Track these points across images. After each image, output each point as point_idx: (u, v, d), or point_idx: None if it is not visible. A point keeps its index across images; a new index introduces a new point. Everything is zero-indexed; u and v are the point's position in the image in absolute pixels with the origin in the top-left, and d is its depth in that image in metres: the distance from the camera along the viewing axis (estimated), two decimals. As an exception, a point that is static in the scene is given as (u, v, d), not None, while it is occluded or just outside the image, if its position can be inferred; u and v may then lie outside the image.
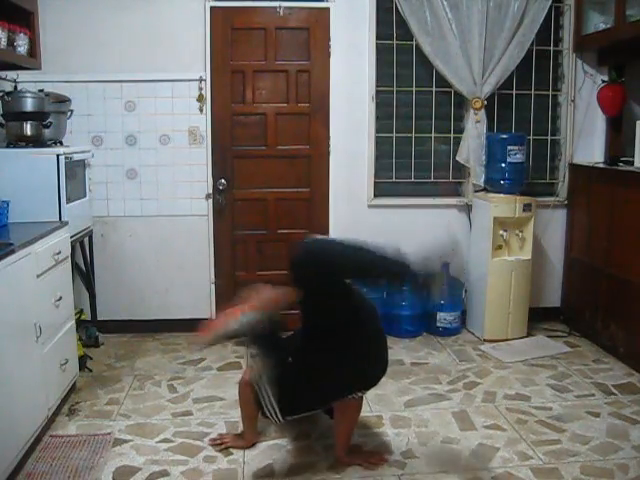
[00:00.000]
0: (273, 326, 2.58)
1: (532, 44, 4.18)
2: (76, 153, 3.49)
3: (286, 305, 2.61)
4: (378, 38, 4.14)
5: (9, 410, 2.42)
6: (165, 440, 2.85)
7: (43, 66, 3.48)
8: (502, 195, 4.08)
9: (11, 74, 3.66)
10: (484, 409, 3.16)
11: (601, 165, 4.11)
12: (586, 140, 4.36)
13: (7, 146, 3.33)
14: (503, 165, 4.06)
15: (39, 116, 3.34)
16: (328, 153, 4.19)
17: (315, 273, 2.41)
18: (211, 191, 4.18)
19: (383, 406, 3.19)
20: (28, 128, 3.29)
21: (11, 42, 3.09)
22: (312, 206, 4.26)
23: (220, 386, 3.43)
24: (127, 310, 4.24)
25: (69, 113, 3.73)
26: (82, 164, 3.69)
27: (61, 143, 3.61)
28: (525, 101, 4.33)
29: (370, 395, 3.17)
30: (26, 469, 2.57)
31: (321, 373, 2.50)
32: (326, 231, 4.26)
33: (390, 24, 4.14)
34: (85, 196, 3.73)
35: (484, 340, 4.11)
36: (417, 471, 2.60)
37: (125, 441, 2.84)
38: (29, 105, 3.33)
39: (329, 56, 4.11)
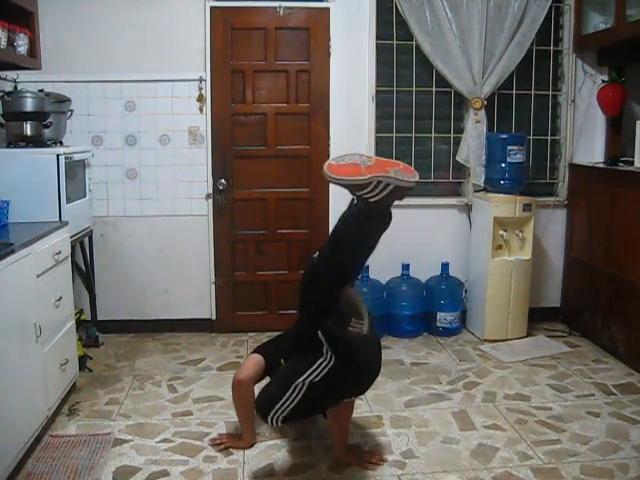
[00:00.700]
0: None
1: (532, 44, 4.18)
2: (76, 153, 3.49)
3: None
4: (378, 38, 4.14)
5: (9, 410, 2.42)
6: (165, 440, 2.85)
7: (43, 66, 3.47)
8: (502, 195, 4.08)
9: (11, 74, 3.66)
10: (484, 409, 3.16)
11: (601, 165, 4.10)
12: (586, 140, 4.36)
13: (7, 146, 3.33)
14: (503, 165, 4.06)
15: (39, 116, 3.34)
16: (328, 153, 4.19)
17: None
18: (211, 191, 4.18)
19: (383, 406, 3.19)
20: (28, 128, 3.30)
21: (11, 42, 3.09)
22: (312, 206, 4.26)
23: (220, 386, 3.42)
24: (127, 310, 4.24)
25: (69, 113, 3.73)
26: (82, 164, 3.69)
27: (61, 143, 3.61)
28: (525, 101, 4.33)
29: (370, 395, 3.17)
30: (26, 469, 2.57)
31: (317, 383, 2.45)
32: (326, 231, 4.26)
33: (390, 24, 4.14)
34: (85, 196, 3.73)
35: (484, 340, 4.11)
36: (417, 471, 2.60)
37: (125, 441, 2.84)
38: (29, 105, 3.33)
39: (329, 56, 4.11)
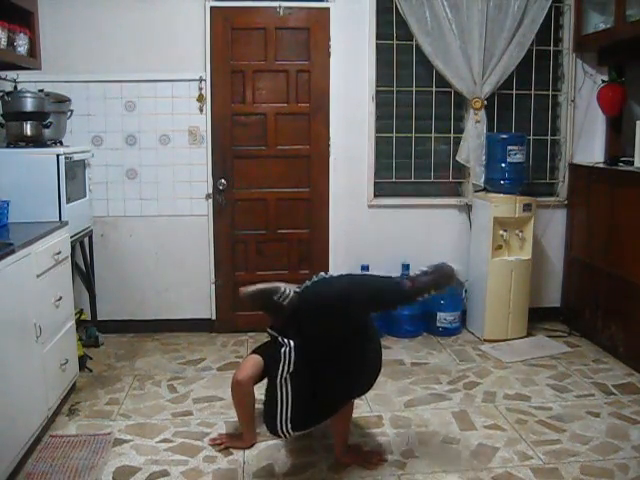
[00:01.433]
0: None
1: (532, 44, 4.18)
2: (76, 153, 3.49)
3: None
4: (378, 38, 4.14)
5: (9, 410, 2.42)
6: (165, 440, 2.85)
7: (43, 66, 3.48)
8: (502, 195, 4.08)
9: (11, 74, 3.66)
10: (484, 409, 3.16)
11: (601, 165, 4.10)
12: (586, 140, 4.36)
13: (7, 146, 3.33)
14: (503, 165, 4.06)
15: (39, 116, 3.34)
16: (328, 153, 4.19)
17: (329, 320, 2.45)
18: (211, 191, 4.18)
19: (383, 406, 3.19)
20: (28, 128, 3.29)
21: (11, 42, 3.09)
22: (312, 206, 4.26)
23: (220, 386, 3.42)
24: (127, 310, 4.23)
25: (69, 113, 3.73)
26: (82, 164, 3.69)
27: (61, 143, 3.61)
28: (525, 101, 4.33)
29: (370, 395, 3.17)
30: (26, 469, 2.57)
31: (322, 385, 2.47)
32: (326, 231, 4.27)
33: (390, 24, 4.14)
34: (85, 196, 3.73)
35: (484, 340, 4.11)
36: (417, 471, 2.60)
37: (125, 441, 2.84)
38: (29, 105, 3.33)
39: (329, 56, 4.11)
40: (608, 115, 4.22)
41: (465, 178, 4.37)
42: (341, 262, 4.23)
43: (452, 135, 4.32)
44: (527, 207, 4.05)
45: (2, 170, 3.13)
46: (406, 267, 4.23)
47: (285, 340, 2.48)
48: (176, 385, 3.45)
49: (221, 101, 4.11)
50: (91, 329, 3.98)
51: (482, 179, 4.24)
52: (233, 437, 2.85)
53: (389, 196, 4.32)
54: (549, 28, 4.25)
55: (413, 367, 3.71)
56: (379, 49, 4.16)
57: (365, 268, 4.15)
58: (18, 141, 3.31)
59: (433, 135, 4.31)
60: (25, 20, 3.24)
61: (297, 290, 2.57)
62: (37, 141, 3.34)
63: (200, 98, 4.08)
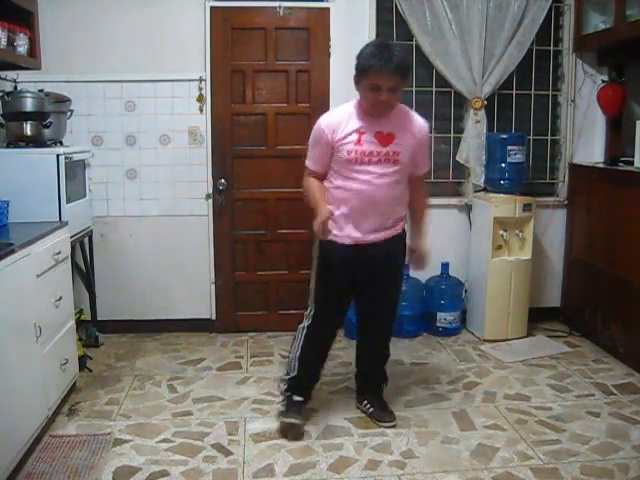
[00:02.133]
0: None
1: (532, 44, 4.18)
2: (76, 153, 3.49)
3: None
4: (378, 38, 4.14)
5: (9, 410, 2.42)
6: (165, 440, 2.85)
7: (43, 66, 3.47)
8: (502, 195, 4.08)
9: (11, 74, 3.66)
10: (484, 409, 3.16)
11: (601, 165, 4.10)
12: (586, 140, 4.36)
13: (7, 146, 3.33)
14: (503, 165, 4.06)
15: (39, 116, 3.34)
16: (328, 153, 4.19)
17: None
18: (211, 191, 4.18)
19: (383, 406, 3.18)
20: (28, 128, 3.29)
21: (11, 42, 3.08)
22: (312, 206, 4.25)
23: (220, 386, 3.43)
24: (127, 310, 4.23)
25: (69, 113, 3.72)
26: (82, 164, 3.69)
27: (61, 143, 3.61)
28: (525, 101, 4.33)
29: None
30: (26, 469, 2.57)
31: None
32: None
33: (390, 24, 4.14)
34: (85, 196, 3.73)
35: (484, 340, 4.11)
36: (417, 471, 2.60)
37: (125, 441, 2.84)
38: (29, 105, 3.33)
39: (329, 56, 4.10)
40: (608, 115, 4.22)
41: (465, 178, 4.37)
42: (341, 262, 4.22)
43: (452, 135, 4.32)
44: (527, 207, 4.04)
45: (2, 170, 3.13)
46: (406, 267, 4.22)
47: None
48: (176, 385, 3.45)
49: (221, 101, 4.11)
50: (91, 329, 3.98)
51: (482, 179, 4.24)
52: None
53: (389, 196, 4.31)
54: (549, 28, 4.25)
55: (413, 367, 3.71)
56: (379, 49, 4.15)
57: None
58: (18, 141, 3.31)
59: (433, 135, 4.30)
60: (25, 20, 3.23)
61: None
62: (37, 141, 3.34)
63: (200, 98, 4.08)
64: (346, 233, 2.80)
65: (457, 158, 4.26)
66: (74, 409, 3.14)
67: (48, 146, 3.41)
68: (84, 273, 4.00)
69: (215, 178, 4.17)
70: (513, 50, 4.13)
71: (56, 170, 3.20)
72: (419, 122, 2.83)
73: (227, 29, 4.04)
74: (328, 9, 4.08)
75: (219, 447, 2.79)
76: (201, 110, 4.10)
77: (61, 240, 3.07)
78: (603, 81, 4.17)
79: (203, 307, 4.29)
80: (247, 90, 4.12)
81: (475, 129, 4.17)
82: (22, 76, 3.74)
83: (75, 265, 3.76)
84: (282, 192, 4.21)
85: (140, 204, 4.17)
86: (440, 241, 4.33)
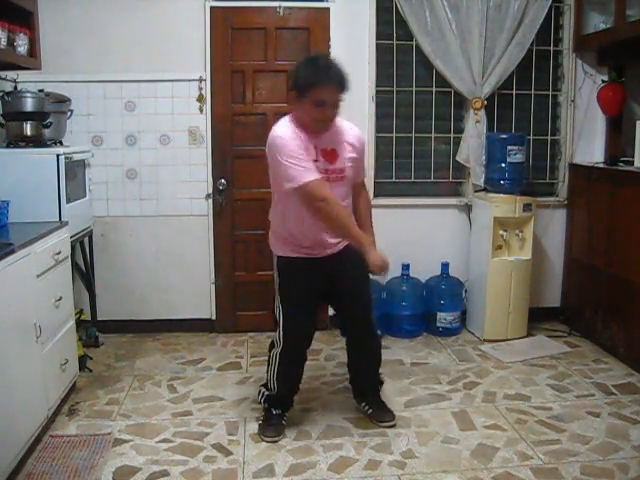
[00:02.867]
0: None
1: (532, 44, 4.17)
2: (76, 153, 3.49)
3: None
4: (378, 38, 4.14)
5: (9, 410, 2.42)
6: (165, 440, 2.85)
7: (43, 66, 3.47)
8: (502, 195, 4.08)
9: (11, 74, 3.66)
10: (484, 409, 3.15)
11: (601, 165, 4.10)
12: (586, 140, 4.36)
13: (7, 146, 3.33)
14: (503, 165, 4.06)
15: (39, 116, 3.34)
16: (328, 153, 4.18)
17: None
18: (211, 191, 4.18)
19: (383, 406, 3.19)
20: (28, 128, 3.29)
21: (11, 42, 3.09)
22: (312, 206, 4.25)
23: (220, 386, 3.43)
24: (127, 310, 4.23)
25: (69, 113, 3.72)
26: (82, 164, 3.69)
27: (61, 143, 3.61)
28: (525, 101, 4.33)
29: (370, 395, 3.17)
30: (26, 469, 2.57)
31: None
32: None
33: (390, 24, 4.14)
34: (85, 196, 3.73)
35: (484, 340, 4.11)
36: (417, 471, 2.60)
37: (125, 441, 2.84)
38: (29, 105, 3.33)
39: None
40: (608, 115, 4.22)
41: (465, 178, 4.37)
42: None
43: (452, 135, 4.32)
44: (527, 207, 4.04)
45: (2, 170, 3.13)
46: (406, 267, 4.23)
47: None
48: (176, 385, 3.45)
49: (221, 101, 4.11)
50: (91, 329, 3.98)
51: (482, 179, 4.24)
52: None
53: (389, 196, 4.31)
54: (549, 28, 4.24)
55: (413, 367, 3.71)
56: (379, 49, 4.15)
57: (365, 268, 4.15)
58: (18, 141, 3.31)
59: (433, 135, 4.31)
60: (25, 20, 3.24)
61: None
62: (37, 141, 3.34)
63: (200, 98, 4.08)
64: (302, 250, 2.82)
65: (457, 158, 4.26)
66: (74, 409, 3.14)
67: (48, 146, 3.41)
68: (84, 273, 4.00)
69: (215, 178, 4.17)
70: (513, 50, 4.12)
71: (56, 170, 3.20)
72: (355, 132, 2.81)
73: (227, 29, 4.04)
74: (328, 9, 4.08)
75: (219, 447, 2.79)
76: (201, 110, 4.10)
77: (61, 240, 3.07)
78: (603, 81, 4.17)
79: (203, 307, 4.29)
80: (247, 90, 4.12)
81: (475, 129, 4.17)
82: (22, 76, 3.73)
83: (75, 265, 3.76)
84: (282, 192, 4.21)
85: (140, 204, 4.17)
86: (440, 241, 4.36)
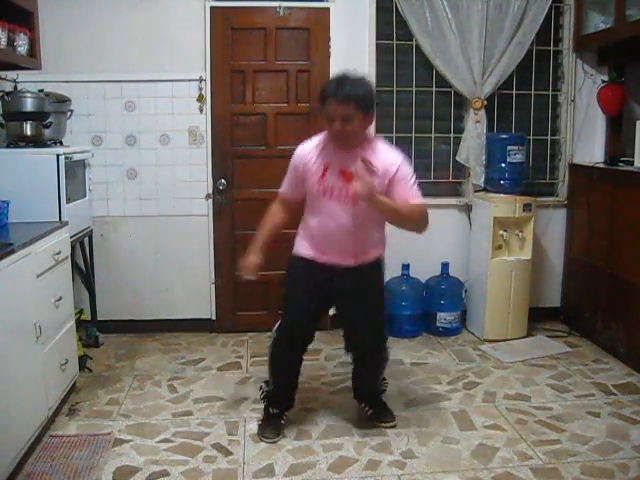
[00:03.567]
0: None
1: (532, 44, 4.18)
2: (76, 153, 3.49)
3: None
4: (378, 38, 4.14)
5: (9, 410, 2.42)
6: (165, 440, 2.85)
7: (43, 66, 3.47)
8: (502, 195, 4.08)
9: (11, 74, 3.66)
10: (484, 409, 3.16)
11: (601, 165, 4.10)
12: (586, 140, 4.36)
13: (7, 146, 3.33)
14: (503, 165, 4.06)
15: (39, 116, 3.34)
16: (328, 153, 4.18)
17: None
18: (211, 191, 4.18)
19: (383, 406, 3.19)
20: (28, 128, 3.29)
21: (11, 42, 3.08)
22: (312, 206, 4.25)
23: (220, 386, 3.43)
24: (127, 310, 4.23)
25: (69, 113, 3.73)
26: (82, 164, 3.69)
27: (61, 143, 3.61)
28: (525, 101, 4.33)
29: (370, 395, 3.16)
30: (26, 469, 2.57)
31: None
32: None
33: (390, 24, 4.14)
34: (85, 196, 3.73)
35: (484, 340, 4.11)
36: (417, 471, 2.60)
37: (125, 441, 2.84)
38: (29, 105, 3.33)
39: (329, 56, 4.10)
40: (608, 115, 4.22)
41: (465, 178, 4.37)
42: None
43: (452, 135, 4.32)
44: (527, 207, 4.04)
45: (2, 170, 3.13)
46: (406, 267, 4.23)
47: None
48: (176, 385, 3.45)
49: (221, 101, 4.11)
50: (91, 329, 3.98)
51: (482, 179, 4.24)
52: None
53: (389, 196, 4.31)
54: (549, 28, 4.24)
55: (413, 367, 3.71)
56: (379, 49, 4.16)
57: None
58: (18, 141, 3.31)
59: (433, 135, 4.31)
60: (25, 20, 3.23)
61: None
62: (37, 141, 3.34)
63: (200, 98, 4.08)
64: (312, 255, 2.83)
65: (457, 158, 4.26)
66: (74, 409, 3.14)
67: (48, 146, 3.41)
68: (84, 273, 4.00)
69: (215, 178, 4.17)
70: (513, 50, 4.13)
71: (56, 170, 3.20)
72: (388, 160, 2.65)
73: (227, 29, 4.04)
74: (328, 9, 4.08)
75: (219, 447, 2.79)
76: (201, 110, 4.10)
77: (61, 240, 3.07)
78: (603, 81, 4.17)
79: (203, 307, 4.29)
80: (247, 90, 4.12)
81: (475, 129, 4.17)
82: (22, 76, 3.73)
83: (75, 265, 3.76)
84: (282, 192, 4.21)
85: (140, 204, 4.17)
86: (440, 241, 4.36)
